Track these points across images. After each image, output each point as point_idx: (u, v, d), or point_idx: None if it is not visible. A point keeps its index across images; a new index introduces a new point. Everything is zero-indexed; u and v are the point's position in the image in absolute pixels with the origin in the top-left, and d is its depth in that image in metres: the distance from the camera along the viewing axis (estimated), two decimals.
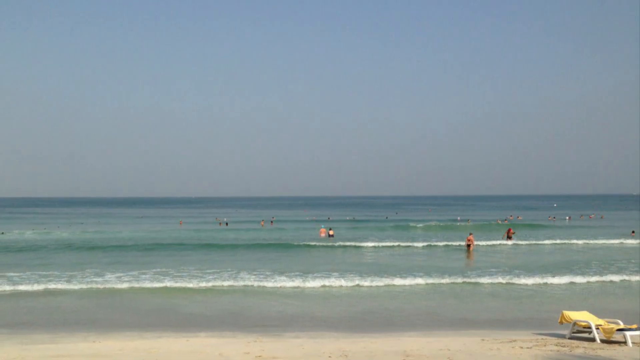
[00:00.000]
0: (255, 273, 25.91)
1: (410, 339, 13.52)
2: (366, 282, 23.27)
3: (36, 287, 22.38)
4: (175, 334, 14.55)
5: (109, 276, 25.01)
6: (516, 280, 23.75)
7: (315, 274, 25.17)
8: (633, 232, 49.08)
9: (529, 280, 23.69)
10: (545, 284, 23.36)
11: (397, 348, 12.25)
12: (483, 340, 13.24)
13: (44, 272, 26.22)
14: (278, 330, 15.17)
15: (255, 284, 23.22)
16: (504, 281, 23.69)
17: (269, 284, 23.20)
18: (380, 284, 23.16)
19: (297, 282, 23.36)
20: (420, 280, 23.71)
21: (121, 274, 25.52)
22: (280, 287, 22.80)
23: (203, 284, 23.04)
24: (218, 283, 23.35)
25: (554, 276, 24.47)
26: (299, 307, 18.89)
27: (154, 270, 27.05)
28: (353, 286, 22.89)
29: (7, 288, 22.18)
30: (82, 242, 43.31)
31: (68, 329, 15.35)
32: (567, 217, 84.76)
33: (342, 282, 23.27)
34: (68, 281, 23.54)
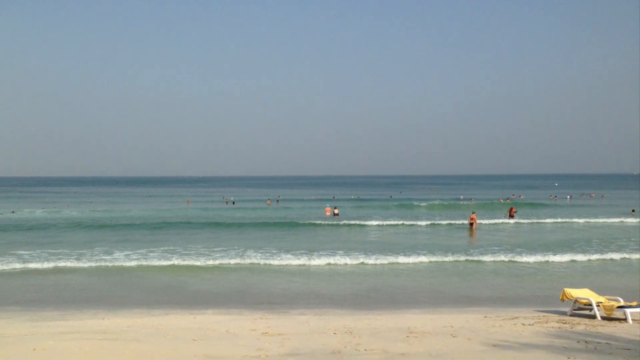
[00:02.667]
0: (261, 251, 26.20)
1: (414, 316, 13.74)
2: (370, 260, 23.52)
3: (46, 265, 22.74)
4: (182, 311, 14.83)
5: (117, 254, 25.34)
6: (518, 258, 23.96)
7: (320, 252, 25.43)
8: (633, 210, 49.24)
9: (531, 258, 23.89)
10: (547, 262, 23.56)
11: (401, 325, 12.46)
12: (485, 317, 13.43)
13: (54, 250, 26.60)
14: (284, 307, 15.41)
15: (262, 262, 23.50)
16: (506, 259, 23.91)
17: (275, 262, 23.48)
18: (385, 262, 23.40)
19: (302, 260, 23.63)
20: (423, 259, 23.94)
21: (130, 252, 25.85)
22: (286, 265, 23.08)
23: (210, 262, 23.34)
24: (225, 261, 23.66)
25: (555, 254, 24.65)
26: (305, 284, 19.15)
27: (162, 248, 27.38)
28: (358, 264, 23.14)
29: (18, 266, 22.54)
30: (91, 221, 43.70)
31: (77, 306, 15.63)
32: (568, 196, 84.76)
33: (347, 260, 23.52)
34: (77, 259, 23.89)
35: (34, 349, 9.62)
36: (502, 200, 72.38)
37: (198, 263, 23.19)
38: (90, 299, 16.87)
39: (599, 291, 14.93)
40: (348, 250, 26.06)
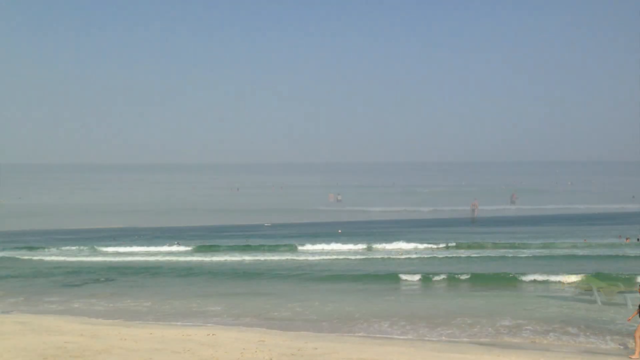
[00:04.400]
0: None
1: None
2: (374, 245, 23.68)
3: (53, 251, 22.92)
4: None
5: (122, 242, 25.47)
6: (520, 243, 24.08)
7: (323, 238, 25.51)
8: (633, 197, 49.61)
9: (532, 243, 24.05)
10: (548, 247, 23.72)
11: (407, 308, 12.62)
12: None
13: (61, 237, 26.75)
14: None
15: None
16: (508, 244, 24.04)
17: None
18: (388, 247, 23.56)
19: (306, 247, 23.80)
20: (425, 245, 24.11)
21: (136, 240, 25.99)
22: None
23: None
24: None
25: (556, 239, 24.79)
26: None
27: (167, 235, 27.52)
28: (362, 249, 23.31)
29: (25, 253, 22.71)
30: (98, 208, 43.86)
31: (84, 294, 15.67)
32: (569, 183, 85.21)
33: (351, 246, 23.70)
34: (83, 247, 24.02)
35: None
36: (504, 187, 72.46)
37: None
38: (97, 286, 16.80)
39: (600, 277, 15.07)
40: (351, 236, 26.01)
